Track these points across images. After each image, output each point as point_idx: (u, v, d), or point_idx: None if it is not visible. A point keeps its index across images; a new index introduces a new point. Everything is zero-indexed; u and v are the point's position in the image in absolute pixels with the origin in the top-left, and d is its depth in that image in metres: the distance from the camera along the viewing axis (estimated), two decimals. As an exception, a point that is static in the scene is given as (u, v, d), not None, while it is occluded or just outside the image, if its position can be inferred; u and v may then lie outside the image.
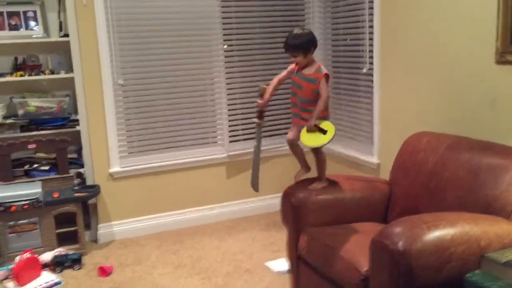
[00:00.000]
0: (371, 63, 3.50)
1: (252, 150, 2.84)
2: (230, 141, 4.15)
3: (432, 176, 2.57)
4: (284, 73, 2.62)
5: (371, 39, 3.48)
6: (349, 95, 3.90)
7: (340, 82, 4.00)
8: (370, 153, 3.66)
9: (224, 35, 4.00)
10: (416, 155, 2.71)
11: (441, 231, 1.98)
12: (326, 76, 2.47)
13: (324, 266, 2.42)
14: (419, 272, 1.94)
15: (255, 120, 2.71)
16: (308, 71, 2.50)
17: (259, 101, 2.63)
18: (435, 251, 1.95)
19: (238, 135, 4.19)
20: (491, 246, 2.01)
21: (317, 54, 3.63)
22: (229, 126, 4.13)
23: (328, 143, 2.45)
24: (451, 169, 2.48)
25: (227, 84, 4.06)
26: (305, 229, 2.62)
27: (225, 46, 4.04)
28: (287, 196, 2.67)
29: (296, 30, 2.50)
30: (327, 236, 2.50)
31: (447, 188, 2.47)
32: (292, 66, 2.58)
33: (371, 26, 3.45)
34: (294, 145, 2.65)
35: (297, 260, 2.69)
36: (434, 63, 2.95)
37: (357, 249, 2.31)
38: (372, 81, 3.52)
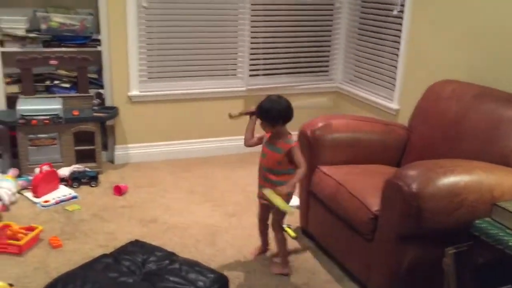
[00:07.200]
0: (402, 5, 3.40)
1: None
2: (250, 75, 4.13)
3: (453, 125, 2.56)
4: (255, 139, 2.61)
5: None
6: (374, 38, 3.82)
7: (367, 24, 3.90)
8: (390, 98, 3.63)
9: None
10: (439, 103, 2.68)
11: (456, 177, 2.00)
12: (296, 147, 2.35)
13: (335, 203, 2.47)
14: (428, 215, 1.98)
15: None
16: (276, 140, 2.43)
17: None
18: (447, 196, 1.98)
19: (258, 69, 4.15)
20: (503, 197, 2.02)
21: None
22: (250, 59, 4.08)
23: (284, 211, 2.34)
24: (473, 119, 2.47)
25: (252, 16, 3.97)
26: (320, 166, 2.66)
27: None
28: (304, 132, 2.69)
29: (273, 97, 2.38)
30: (341, 174, 2.53)
31: (466, 138, 2.46)
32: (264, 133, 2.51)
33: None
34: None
35: (308, 195, 2.75)
36: (468, 11, 2.86)
37: (368, 189, 2.35)
38: (401, 24, 3.43)
